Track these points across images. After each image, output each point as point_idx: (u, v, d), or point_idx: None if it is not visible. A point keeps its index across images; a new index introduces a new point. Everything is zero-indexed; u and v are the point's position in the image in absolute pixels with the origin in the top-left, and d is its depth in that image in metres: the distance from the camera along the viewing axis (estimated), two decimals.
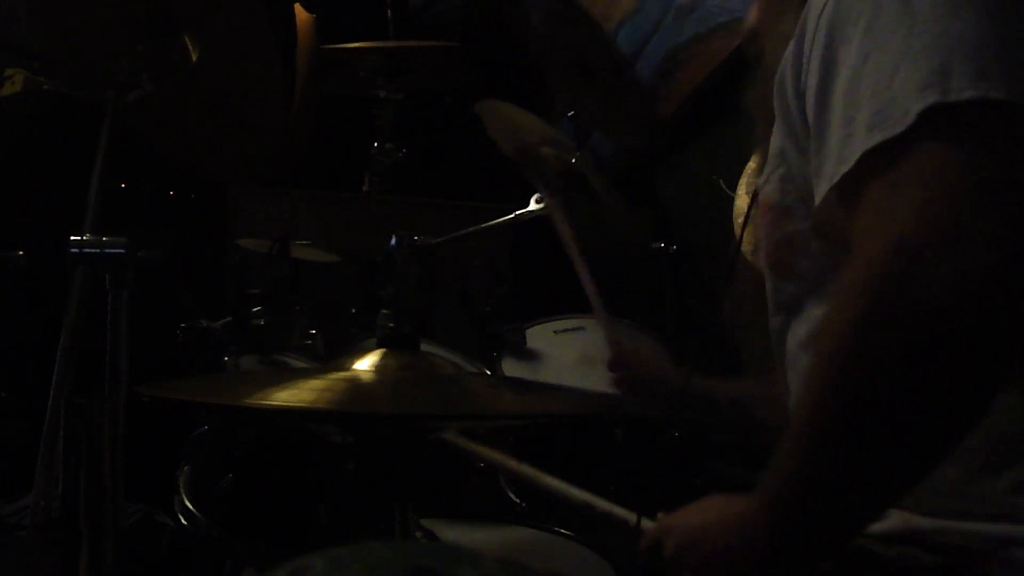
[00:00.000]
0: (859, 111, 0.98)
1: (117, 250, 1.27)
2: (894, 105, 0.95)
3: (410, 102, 2.93)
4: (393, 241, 1.57)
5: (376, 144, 2.86)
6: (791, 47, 1.10)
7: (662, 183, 3.39)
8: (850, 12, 1.02)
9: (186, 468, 1.92)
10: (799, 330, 1.21)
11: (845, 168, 0.98)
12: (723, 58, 3.14)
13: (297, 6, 3.25)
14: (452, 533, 1.62)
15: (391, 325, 1.38)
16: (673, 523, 1.17)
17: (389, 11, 3.33)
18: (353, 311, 2.40)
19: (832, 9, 1.04)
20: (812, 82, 1.05)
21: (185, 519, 1.83)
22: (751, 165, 1.37)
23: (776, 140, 1.16)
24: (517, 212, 2.42)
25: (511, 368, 2.34)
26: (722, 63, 3.14)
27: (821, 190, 1.03)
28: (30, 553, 1.78)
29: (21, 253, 2.52)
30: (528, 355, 2.41)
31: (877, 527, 1.10)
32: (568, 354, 2.43)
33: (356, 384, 1.31)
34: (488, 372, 2.28)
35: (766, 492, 1.03)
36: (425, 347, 2.20)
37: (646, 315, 2.58)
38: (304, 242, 2.45)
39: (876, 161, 0.96)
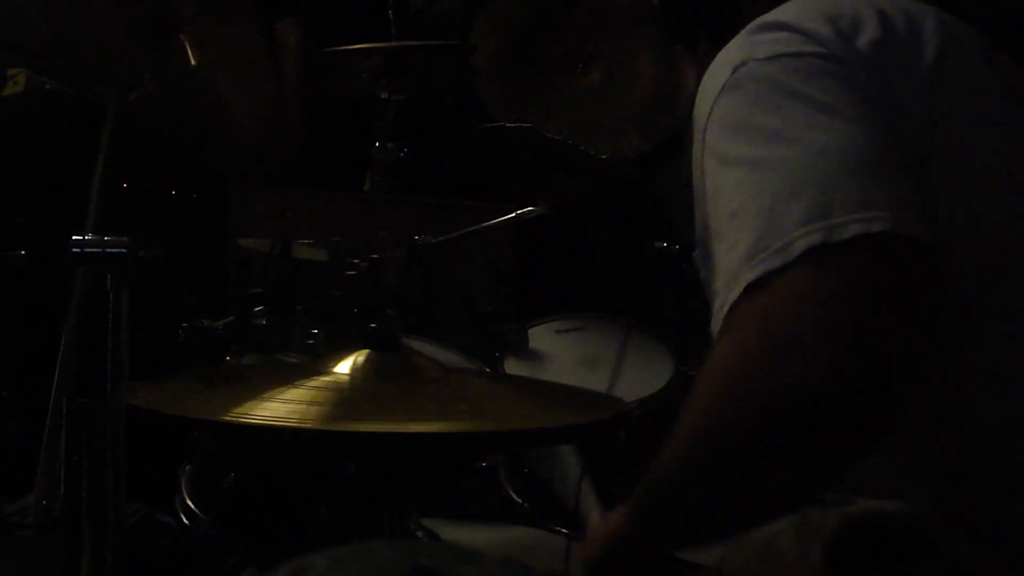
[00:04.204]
0: (743, 232, 1.01)
1: (118, 249, 1.27)
2: (776, 235, 0.98)
3: (411, 102, 2.93)
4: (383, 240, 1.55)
5: (377, 144, 2.86)
6: (695, 133, 1.13)
7: (663, 182, 3.38)
8: (731, 118, 1.06)
9: (187, 467, 1.92)
10: None
11: (734, 295, 1.00)
12: None
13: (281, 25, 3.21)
14: (452, 533, 1.62)
15: (372, 325, 1.36)
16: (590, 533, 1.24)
17: (390, 12, 3.33)
18: (354, 311, 2.41)
19: (719, 116, 1.08)
20: (702, 187, 1.11)
21: (186, 518, 1.83)
22: None
23: (699, 217, 1.18)
24: (517, 212, 2.42)
25: (513, 368, 2.34)
26: None
27: (716, 308, 1.05)
28: (31, 553, 1.78)
29: (22, 253, 2.52)
30: (530, 355, 2.41)
31: None
32: (569, 354, 2.43)
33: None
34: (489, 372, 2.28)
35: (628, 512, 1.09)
36: (426, 347, 2.21)
37: (646, 315, 2.58)
38: (305, 242, 2.45)
39: (756, 284, 0.99)
